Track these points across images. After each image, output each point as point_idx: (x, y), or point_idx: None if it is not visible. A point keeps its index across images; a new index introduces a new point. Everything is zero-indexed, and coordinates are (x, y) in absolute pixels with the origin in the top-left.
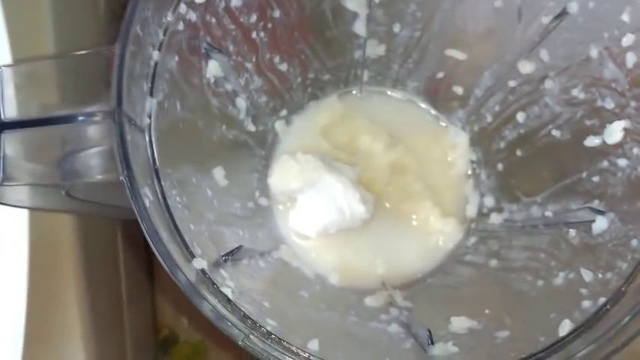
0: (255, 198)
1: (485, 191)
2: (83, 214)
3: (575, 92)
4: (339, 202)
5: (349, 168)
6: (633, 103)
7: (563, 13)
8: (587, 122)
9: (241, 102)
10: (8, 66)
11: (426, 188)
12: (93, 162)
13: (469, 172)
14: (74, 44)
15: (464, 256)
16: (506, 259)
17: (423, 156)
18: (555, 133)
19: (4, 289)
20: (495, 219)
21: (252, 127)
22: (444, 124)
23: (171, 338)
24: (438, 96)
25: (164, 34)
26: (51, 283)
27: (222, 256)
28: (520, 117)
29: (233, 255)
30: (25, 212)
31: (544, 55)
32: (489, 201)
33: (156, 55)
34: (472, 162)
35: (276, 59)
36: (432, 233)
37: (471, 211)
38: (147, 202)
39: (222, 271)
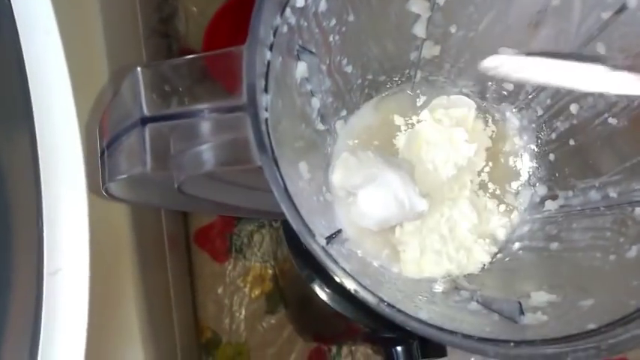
0: (323, 193)
1: (536, 181)
2: (188, 210)
3: None
4: (399, 195)
5: (406, 162)
6: None
7: (622, 8)
8: None
9: (316, 102)
10: (143, 68)
11: (479, 180)
12: (213, 154)
13: (520, 164)
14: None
15: (522, 242)
16: (569, 240)
17: (475, 150)
18: (612, 120)
19: (68, 292)
20: (551, 206)
21: (320, 127)
22: (494, 119)
23: (214, 340)
24: (488, 93)
25: (274, 36)
26: (110, 285)
27: (327, 237)
28: (573, 108)
29: (334, 237)
30: (85, 219)
31: (600, 48)
32: (542, 190)
33: (269, 55)
34: (523, 153)
35: (344, 61)
36: (488, 224)
37: (524, 200)
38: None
39: (331, 250)
